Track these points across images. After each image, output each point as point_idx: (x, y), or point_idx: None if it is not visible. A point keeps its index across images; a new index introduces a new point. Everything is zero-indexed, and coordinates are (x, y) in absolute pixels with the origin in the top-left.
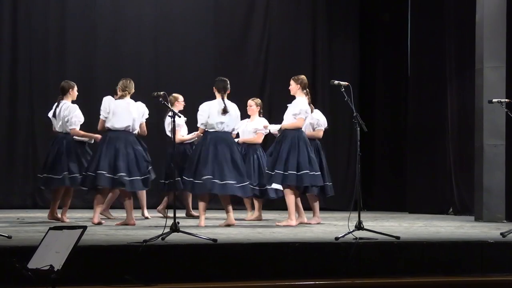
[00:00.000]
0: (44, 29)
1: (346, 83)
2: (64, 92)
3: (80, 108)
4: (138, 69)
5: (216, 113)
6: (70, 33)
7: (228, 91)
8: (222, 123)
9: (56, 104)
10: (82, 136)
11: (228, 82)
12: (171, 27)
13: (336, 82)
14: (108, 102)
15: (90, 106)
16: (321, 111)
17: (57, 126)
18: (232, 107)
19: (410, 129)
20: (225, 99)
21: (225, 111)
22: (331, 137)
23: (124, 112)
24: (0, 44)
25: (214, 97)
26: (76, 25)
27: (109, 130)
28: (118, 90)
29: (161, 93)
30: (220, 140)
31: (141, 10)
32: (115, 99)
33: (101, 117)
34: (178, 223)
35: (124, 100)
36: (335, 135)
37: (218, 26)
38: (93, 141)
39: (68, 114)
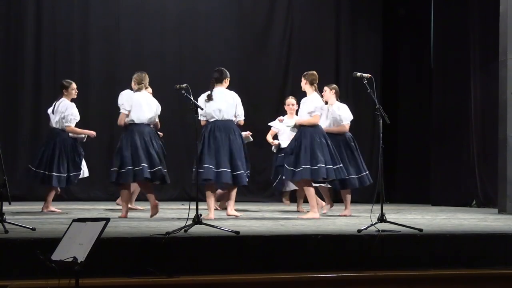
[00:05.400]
0: (68, 24)
1: (369, 75)
2: (62, 90)
3: (103, 102)
4: (162, 64)
5: (203, 102)
6: (94, 29)
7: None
8: (220, 110)
9: (56, 101)
10: (77, 133)
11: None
12: (194, 22)
13: (358, 74)
14: (128, 96)
15: (114, 99)
16: (344, 103)
17: (54, 122)
18: (226, 95)
19: (434, 121)
20: (218, 88)
21: (209, 98)
22: (354, 129)
23: (146, 105)
24: (24, 41)
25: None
26: (100, 21)
27: (132, 123)
28: (133, 84)
29: (184, 85)
30: (219, 128)
31: (165, 5)
32: (134, 92)
33: (122, 111)
34: (201, 215)
35: (142, 93)
36: (358, 128)
37: (241, 20)
38: (85, 140)
39: (64, 111)
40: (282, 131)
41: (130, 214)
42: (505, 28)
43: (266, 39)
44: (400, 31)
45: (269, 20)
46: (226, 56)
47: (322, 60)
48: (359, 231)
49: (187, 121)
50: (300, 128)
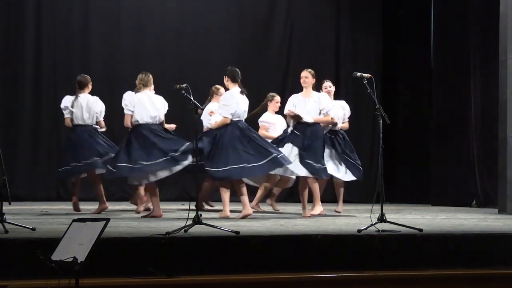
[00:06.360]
0: (68, 24)
1: (369, 75)
2: (82, 86)
3: (104, 101)
4: (162, 62)
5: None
6: (94, 27)
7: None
8: (245, 111)
9: (74, 97)
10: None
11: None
12: (194, 22)
13: (358, 74)
14: (131, 97)
15: (114, 99)
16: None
17: (84, 117)
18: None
19: (434, 121)
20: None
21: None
22: (354, 129)
23: (149, 104)
24: (24, 40)
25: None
26: (100, 19)
27: (137, 124)
28: (137, 84)
29: (184, 85)
30: (247, 128)
31: (165, 5)
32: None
33: (127, 112)
34: (201, 215)
35: (144, 92)
36: (358, 128)
37: (241, 19)
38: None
39: (100, 107)
40: (272, 125)
41: (130, 214)
42: (505, 28)
43: (266, 39)
44: (400, 31)
45: (269, 20)
46: (226, 56)
47: (322, 60)
48: (359, 231)
49: (187, 121)
50: None
